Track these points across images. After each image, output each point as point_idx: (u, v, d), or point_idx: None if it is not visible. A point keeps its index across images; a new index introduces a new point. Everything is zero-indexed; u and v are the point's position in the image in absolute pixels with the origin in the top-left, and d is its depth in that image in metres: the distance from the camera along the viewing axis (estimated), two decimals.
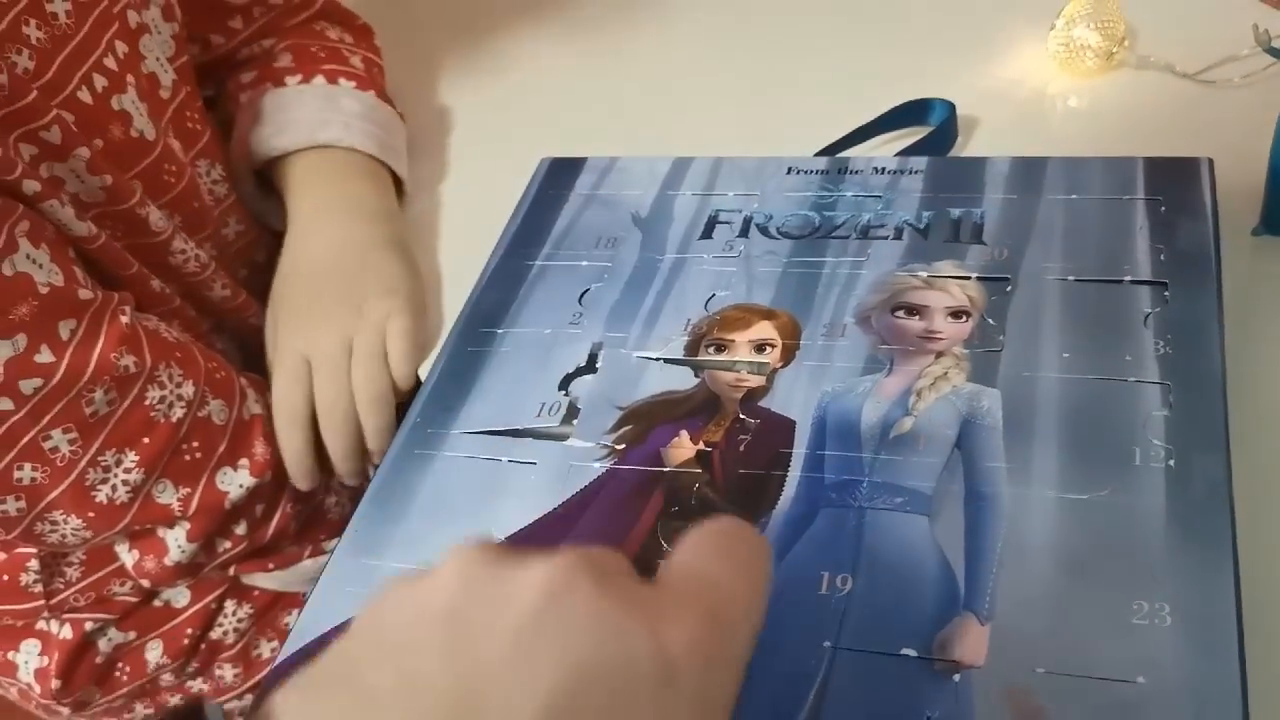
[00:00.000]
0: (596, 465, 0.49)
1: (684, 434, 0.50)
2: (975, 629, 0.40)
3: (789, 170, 0.60)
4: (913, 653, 0.40)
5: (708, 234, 0.58)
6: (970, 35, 0.73)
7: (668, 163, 0.63)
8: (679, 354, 0.53)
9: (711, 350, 0.53)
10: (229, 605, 0.68)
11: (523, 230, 0.62)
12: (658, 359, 0.53)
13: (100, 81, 0.58)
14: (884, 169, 0.59)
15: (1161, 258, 0.51)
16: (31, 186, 0.53)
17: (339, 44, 0.74)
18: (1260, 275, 0.53)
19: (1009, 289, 0.51)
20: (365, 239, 0.65)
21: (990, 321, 0.50)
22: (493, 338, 0.56)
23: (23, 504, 0.54)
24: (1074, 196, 0.54)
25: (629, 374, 0.53)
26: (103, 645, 0.67)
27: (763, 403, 0.50)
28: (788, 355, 0.52)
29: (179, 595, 0.67)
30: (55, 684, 0.65)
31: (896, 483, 0.45)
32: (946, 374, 0.49)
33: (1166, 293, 0.49)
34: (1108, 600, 0.40)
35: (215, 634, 0.68)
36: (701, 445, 0.49)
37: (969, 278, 0.52)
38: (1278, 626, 0.41)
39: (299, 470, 0.60)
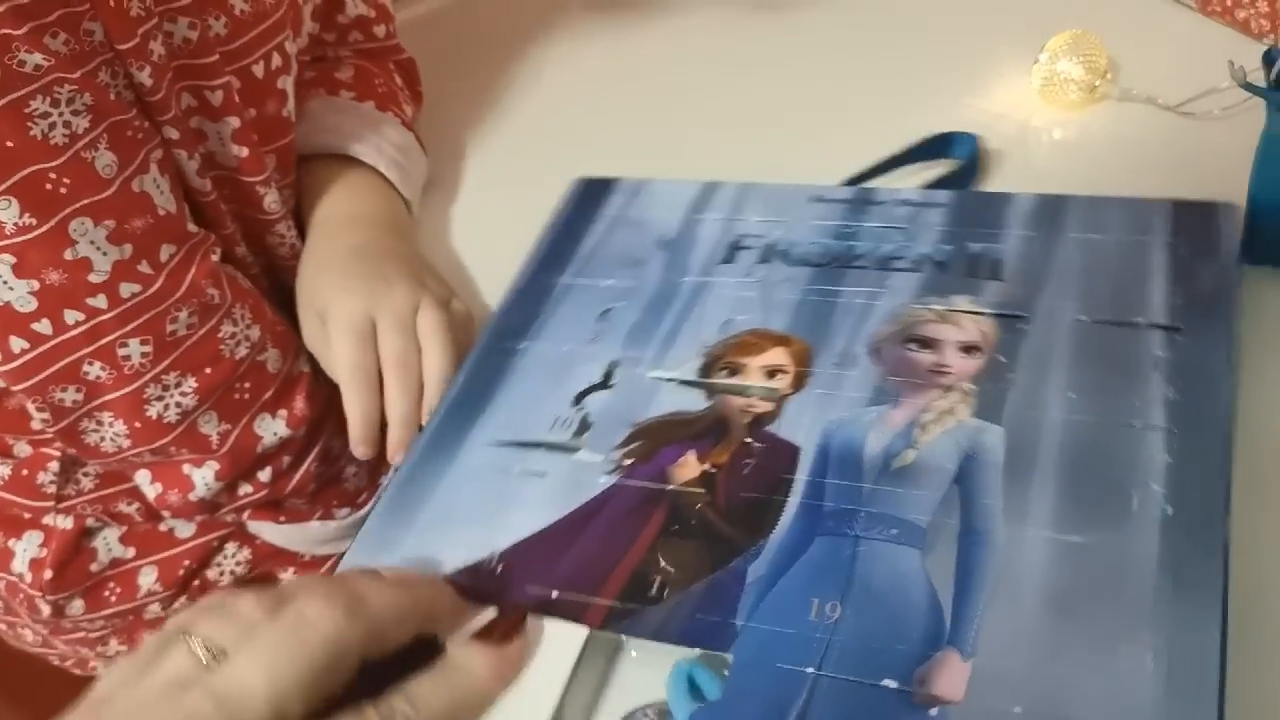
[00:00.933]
0: (603, 480, 0.50)
1: (691, 454, 0.50)
2: (957, 664, 0.41)
3: (814, 199, 0.61)
4: (894, 684, 0.40)
5: (729, 259, 0.59)
6: (954, 68, 0.74)
7: (696, 187, 0.64)
8: (692, 376, 0.54)
9: (724, 373, 0.54)
10: (230, 547, 0.68)
11: (552, 250, 0.63)
12: (671, 379, 0.54)
13: (276, 60, 0.64)
14: (908, 201, 0.59)
15: (1178, 301, 0.50)
16: (171, 133, 0.58)
17: (399, 90, 0.78)
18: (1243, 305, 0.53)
19: (1023, 326, 0.52)
20: (412, 238, 0.70)
21: (1001, 359, 0.50)
22: (514, 352, 0.58)
23: (80, 396, 0.58)
24: (1094, 236, 0.55)
25: (642, 392, 0.54)
26: (101, 552, 0.67)
27: (770, 428, 0.51)
28: (799, 382, 0.52)
29: (184, 526, 0.68)
30: (47, 574, 0.66)
31: (893, 514, 0.46)
32: (952, 409, 0.49)
33: (1179, 337, 0.49)
34: (1091, 643, 0.40)
35: (211, 573, 0.69)
36: (708, 466, 0.50)
37: (984, 314, 0.53)
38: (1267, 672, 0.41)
39: (367, 432, 0.60)
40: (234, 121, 0.61)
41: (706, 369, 0.54)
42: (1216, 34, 0.70)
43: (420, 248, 0.71)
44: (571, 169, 0.68)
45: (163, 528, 0.68)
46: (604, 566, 0.47)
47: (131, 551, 0.68)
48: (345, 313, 0.61)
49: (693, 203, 0.63)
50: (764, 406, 0.51)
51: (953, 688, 0.40)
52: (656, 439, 0.52)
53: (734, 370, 0.54)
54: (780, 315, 0.55)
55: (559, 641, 0.45)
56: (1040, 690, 0.39)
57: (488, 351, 0.58)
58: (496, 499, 0.51)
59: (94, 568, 0.67)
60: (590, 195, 0.66)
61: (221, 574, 0.69)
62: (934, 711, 0.39)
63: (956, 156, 0.64)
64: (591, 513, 0.49)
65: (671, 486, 0.49)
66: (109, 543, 0.68)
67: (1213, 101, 0.64)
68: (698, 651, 0.44)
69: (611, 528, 0.48)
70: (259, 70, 0.63)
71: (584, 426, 0.53)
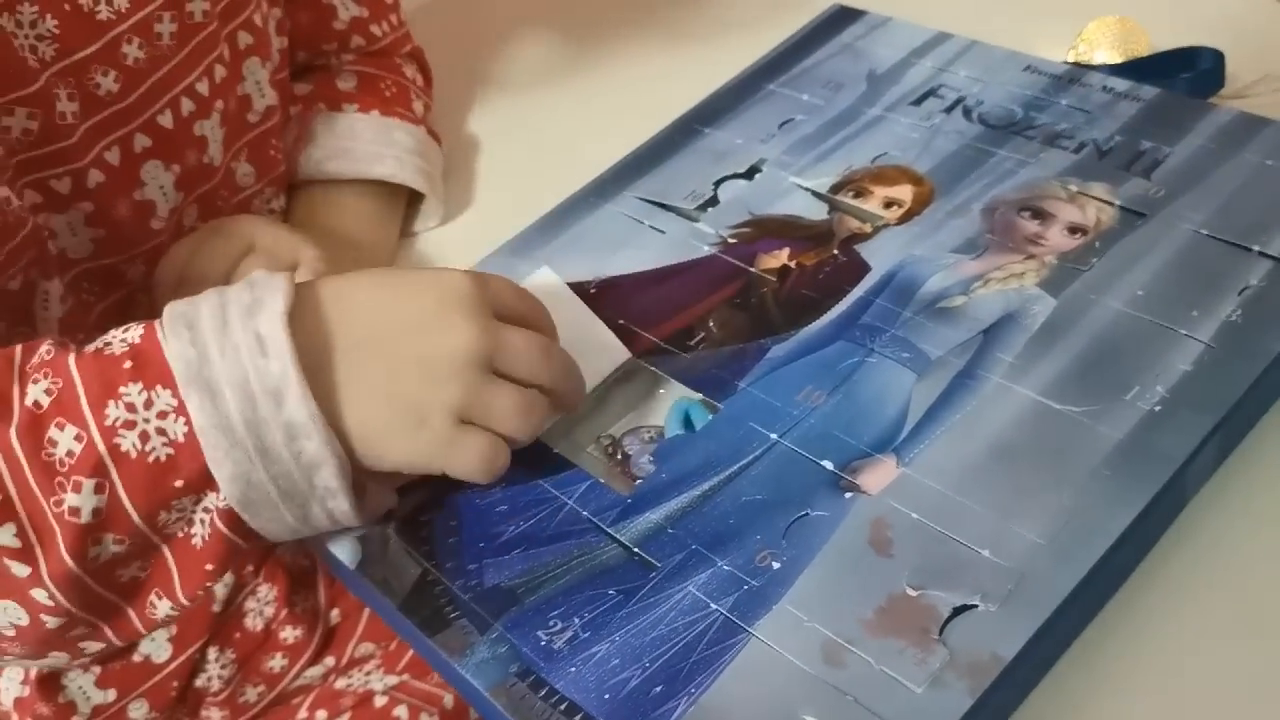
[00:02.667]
0: (706, 249, 0.57)
1: (786, 250, 0.56)
2: (889, 467, 0.44)
3: (1026, 68, 0.61)
4: (830, 466, 0.45)
5: (919, 102, 0.62)
6: None
7: (930, 33, 0.66)
8: (823, 190, 0.58)
9: (851, 195, 0.57)
10: (211, 653, 0.64)
11: (776, 60, 0.68)
12: (805, 187, 0.59)
13: (187, 106, 0.58)
14: (1111, 89, 0.58)
15: None
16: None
17: (410, 84, 0.73)
18: None
19: (1139, 224, 0.51)
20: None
21: (1096, 245, 0.51)
22: (698, 134, 0.64)
23: None
24: (1269, 162, 0.52)
25: (776, 192, 0.59)
26: (80, 705, 0.61)
27: (858, 246, 0.54)
28: (906, 218, 0.55)
29: (159, 650, 0.63)
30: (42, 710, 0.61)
31: (914, 342, 0.49)
32: (1024, 274, 0.50)
33: None
34: (1013, 488, 0.43)
35: (200, 681, 0.64)
36: (792, 264, 0.55)
37: (1112, 204, 0.52)
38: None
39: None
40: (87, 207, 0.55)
41: (838, 187, 0.58)
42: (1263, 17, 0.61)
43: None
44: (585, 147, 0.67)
45: (136, 658, 0.62)
46: (666, 313, 0.54)
47: (113, 694, 0.62)
48: (228, 225, 0.60)
49: (918, 47, 0.65)
50: (864, 229, 0.55)
51: (873, 483, 0.44)
52: (765, 230, 0.57)
53: (860, 193, 0.57)
54: (929, 159, 0.58)
55: (605, 354, 0.53)
56: (943, 508, 0.42)
57: (679, 129, 0.65)
58: (620, 239, 0.59)
59: None
60: (834, 21, 0.69)
61: (210, 679, 0.64)
62: (848, 495, 0.44)
63: (1200, 68, 0.61)
64: (682, 270, 0.56)
65: (754, 269, 0.55)
66: (87, 692, 0.61)
67: (1264, 87, 0.57)
68: (701, 395, 0.50)
69: (689, 286, 0.55)
70: (166, 121, 0.57)
71: (711, 203, 0.59)
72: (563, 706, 0.40)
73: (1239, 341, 0.45)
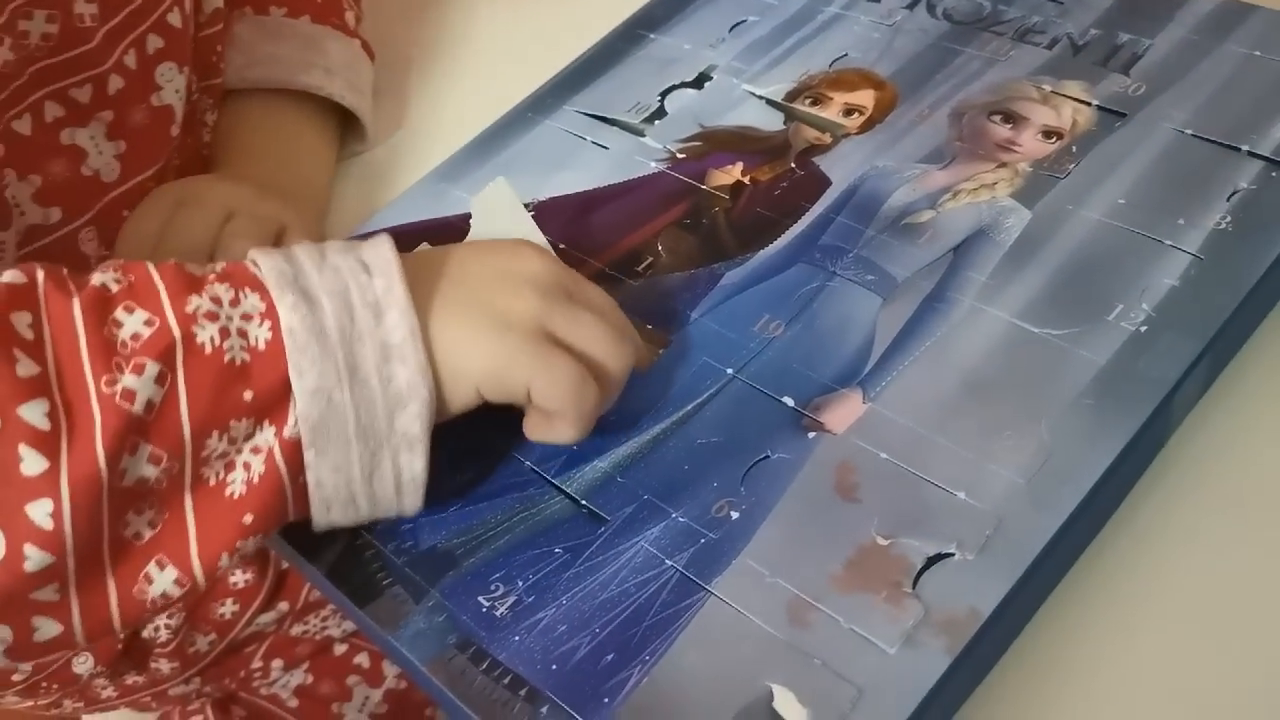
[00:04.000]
0: (653, 165, 0.52)
1: (739, 165, 0.51)
2: (854, 404, 0.41)
3: None
4: (791, 403, 0.42)
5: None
6: None
7: None
8: (777, 98, 0.54)
9: (808, 102, 0.53)
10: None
11: None
12: (759, 96, 0.54)
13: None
14: None
15: None
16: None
17: None
18: None
19: (1118, 125, 0.47)
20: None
21: (1073, 149, 0.47)
22: (642, 40, 0.59)
23: None
24: (1256, 53, 0.48)
25: (727, 101, 0.54)
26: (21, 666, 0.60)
27: (817, 159, 0.50)
28: (867, 126, 0.51)
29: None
30: None
31: (877, 262, 0.45)
32: (995, 184, 0.47)
33: (1274, 173, 0.43)
34: (985, 422, 0.39)
35: (146, 633, 0.63)
36: (746, 179, 0.50)
37: (1089, 104, 0.48)
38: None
39: None
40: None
41: (794, 94, 0.54)
42: None
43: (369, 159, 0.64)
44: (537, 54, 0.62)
45: None
46: (612, 236, 0.50)
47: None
48: (156, 191, 0.54)
49: None
50: (823, 139, 0.51)
51: (838, 421, 0.41)
52: (716, 143, 0.53)
53: (817, 101, 0.53)
54: (891, 61, 0.53)
55: None
56: (913, 447, 0.39)
57: (622, 36, 0.60)
58: (560, 157, 0.54)
59: (16, 677, 0.61)
60: None
61: (157, 630, 0.63)
62: (811, 435, 0.41)
63: None
64: (628, 190, 0.52)
65: (704, 187, 0.51)
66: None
67: None
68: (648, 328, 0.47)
69: (635, 206, 0.51)
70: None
71: (658, 115, 0.55)
72: (506, 680, 0.36)
73: (1229, 252, 0.42)
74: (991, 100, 0.50)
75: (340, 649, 0.71)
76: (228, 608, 0.64)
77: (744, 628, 0.36)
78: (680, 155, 0.53)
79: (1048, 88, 0.50)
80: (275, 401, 0.37)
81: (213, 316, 0.37)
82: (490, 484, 0.42)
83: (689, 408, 0.43)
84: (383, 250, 0.40)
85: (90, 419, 0.35)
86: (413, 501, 0.40)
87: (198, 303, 0.37)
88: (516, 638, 0.37)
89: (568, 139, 0.55)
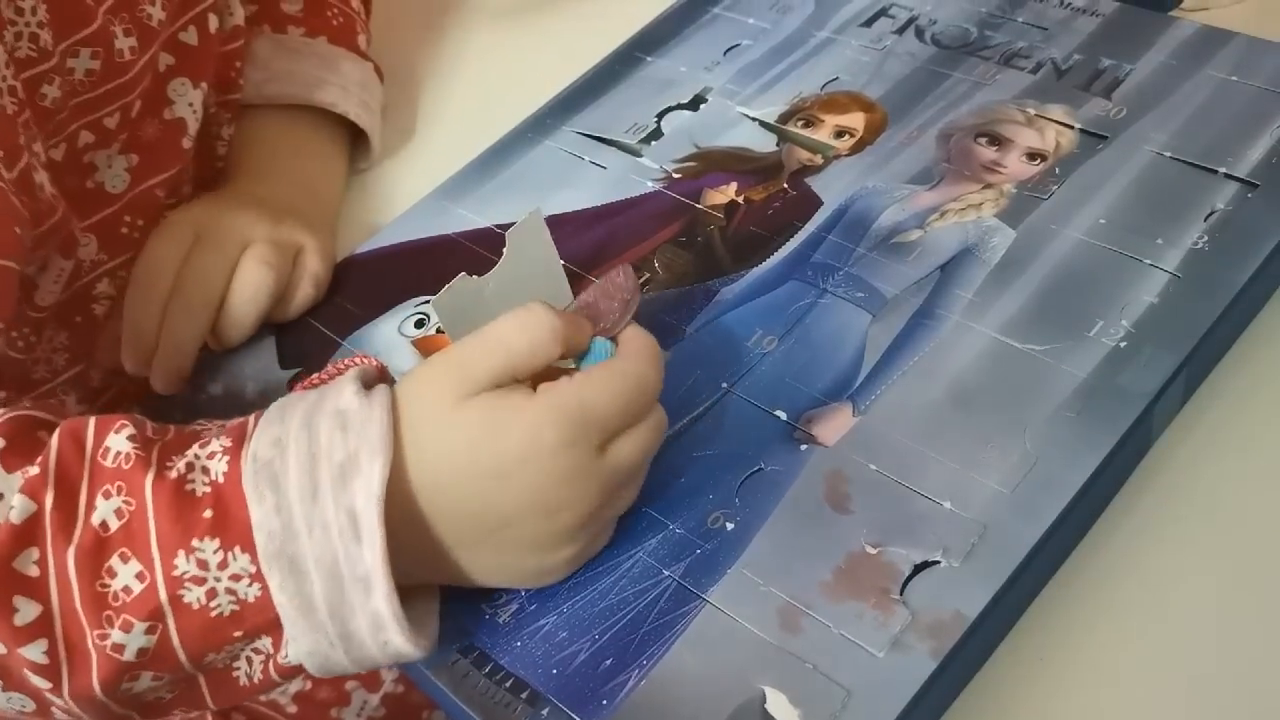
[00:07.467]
0: (649, 184, 0.54)
1: (733, 185, 0.53)
2: (844, 416, 0.42)
3: None
4: (783, 415, 0.43)
5: (869, 23, 0.58)
6: None
7: None
8: (770, 119, 0.55)
9: (800, 124, 0.55)
10: None
11: None
12: (753, 118, 0.56)
13: (213, 22, 0.56)
14: (1069, 4, 0.55)
15: (1274, 160, 0.46)
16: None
17: (356, 15, 0.69)
18: None
19: (1100, 147, 0.49)
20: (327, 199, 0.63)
21: (1056, 170, 0.48)
22: (640, 63, 0.61)
23: None
24: (1233, 78, 0.49)
25: (722, 123, 0.56)
26: None
27: (809, 179, 0.52)
28: (858, 147, 0.52)
29: None
30: None
31: (867, 280, 0.47)
32: (981, 204, 0.48)
33: (1250, 194, 0.45)
34: (972, 432, 0.41)
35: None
36: (740, 199, 0.52)
37: (1071, 127, 0.50)
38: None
39: (132, 345, 0.54)
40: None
41: (787, 116, 0.55)
42: None
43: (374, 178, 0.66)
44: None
45: None
46: (609, 253, 0.51)
47: None
48: (174, 219, 0.56)
49: None
50: (815, 160, 0.52)
51: (829, 434, 0.42)
52: (711, 164, 0.54)
53: (810, 123, 0.54)
54: (881, 84, 0.55)
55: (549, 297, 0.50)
56: (902, 459, 0.40)
57: (619, 59, 0.62)
58: (560, 177, 0.56)
59: None
60: None
61: None
62: (803, 447, 0.42)
63: None
64: (625, 208, 0.53)
65: (699, 206, 0.52)
66: None
67: None
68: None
69: (632, 224, 0.52)
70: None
71: (654, 136, 0.56)
72: (509, 684, 0.38)
73: (1206, 270, 0.43)
74: (978, 123, 0.52)
75: None
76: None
77: (738, 633, 0.37)
78: (676, 175, 0.54)
79: (1032, 111, 0.51)
80: (267, 631, 0.38)
81: (199, 580, 0.37)
82: None
83: (685, 420, 0.44)
84: (370, 509, 0.37)
85: (87, 658, 0.38)
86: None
87: (185, 567, 0.37)
88: (519, 643, 0.39)
89: (567, 159, 0.57)
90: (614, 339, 0.42)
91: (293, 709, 0.66)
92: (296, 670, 0.39)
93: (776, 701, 0.36)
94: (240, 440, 0.38)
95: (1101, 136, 0.49)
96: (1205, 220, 0.45)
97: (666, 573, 0.39)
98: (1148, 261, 0.44)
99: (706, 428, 0.44)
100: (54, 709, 0.39)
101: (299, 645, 0.37)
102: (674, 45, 0.61)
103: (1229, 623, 0.38)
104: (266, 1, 0.66)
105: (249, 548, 0.37)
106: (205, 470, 0.38)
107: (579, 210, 0.54)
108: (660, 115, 0.57)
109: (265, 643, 0.38)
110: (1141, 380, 0.41)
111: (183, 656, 0.37)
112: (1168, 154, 0.48)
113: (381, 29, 0.72)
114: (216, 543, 0.37)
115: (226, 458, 0.38)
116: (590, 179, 0.55)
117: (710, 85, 0.58)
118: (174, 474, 0.38)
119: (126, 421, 0.39)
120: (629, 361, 0.40)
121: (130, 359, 0.54)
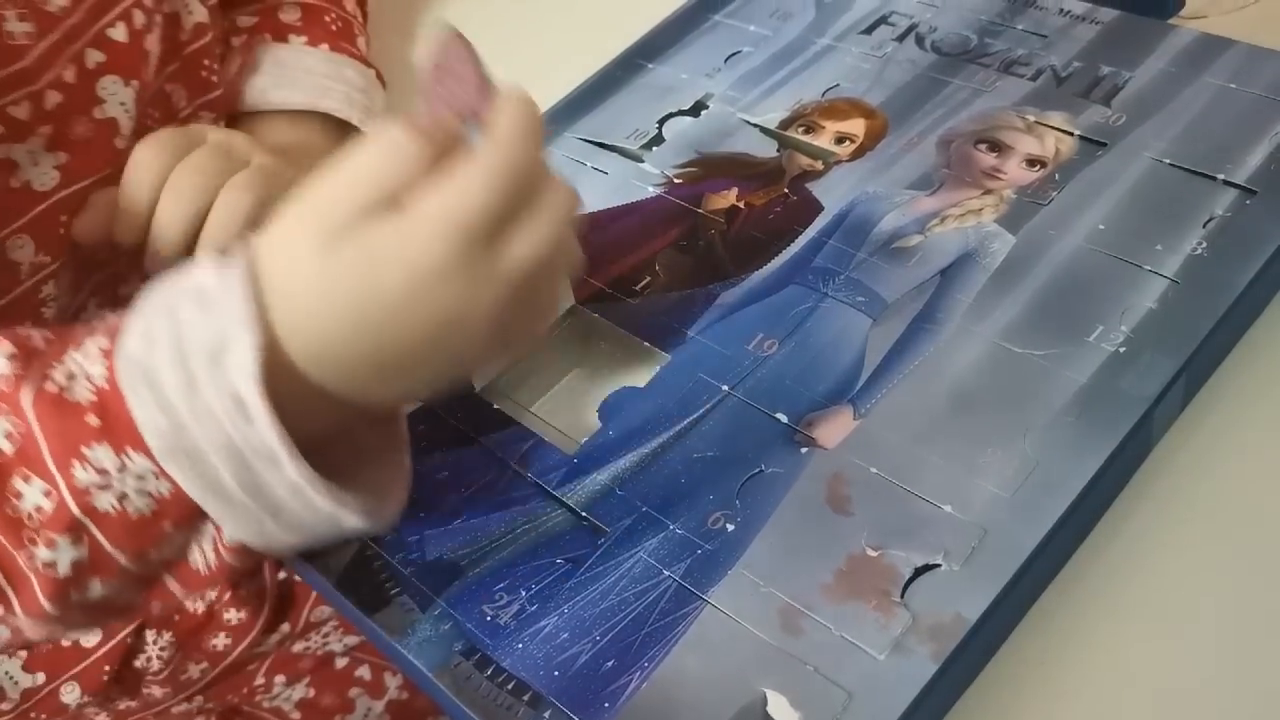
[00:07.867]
0: (651, 190, 0.54)
1: (734, 190, 0.53)
2: (845, 420, 0.43)
3: None
4: (784, 418, 0.43)
5: (869, 31, 0.59)
6: None
7: None
8: (771, 126, 0.55)
9: (801, 130, 0.55)
10: (149, 635, 0.62)
11: None
12: (753, 124, 0.56)
13: (139, 19, 0.55)
14: (1068, 12, 0.56)
15: (1272, 167, 0.46)
16: None
17: (353, 20, 0.69)
18: None
19: (1099, 154, 0.49)
20: None
21: (1056, 177, 0.49)
22: (641, 69, 0.61)
23: None
24: (1231, 85, 0.50)
25: (723, 129, 0.56)
26: (9, 690, 0.60)
27: (810, 184, 0.52)
28: (859, 153, 0.53)
29: (87, 634, 0.61)
30: None
31: (868, 284, 0.47)
32: (981, 210, 0.48)
33: (1249, 201, 0.45)
34: (972, 436, 0.41)
35: (139, 662, 0.62)
36: (741, 204, 0.52)
37: (1071, 134, 0.50)
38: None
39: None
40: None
41: (788, 122, 0.55)
42: None
43: None
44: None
45: (65, 642, 0.61)
46: (610, 256, 0.51)
47: (42, 677, 0.61)
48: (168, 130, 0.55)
49: None
50: (816, 166, 0.53)
51: (830, 437, 0.42)
52: (712, 169, 0.54)
53: (810, 129, 0.55)
54: (882, 91, 0.55)
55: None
56: (902, 462, 0.41)
57: (621, 65, 0.62)
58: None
59: (4, 705, 0.61)
60: None
61: (149, 659, 0.62)
62: (803, 450, 0.42)
63: None
64: (626, 212, 0.54)
65: (701, 210, 0.52)
66: (14, 676, 0.60)
67: None
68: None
69: (634, 229, 0.53)
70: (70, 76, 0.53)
71: (656, 141, 0.56)
72: (510, 685, 0.38)
73: (1204, 276, 0.43)
74: (978, 129, 0.52)
75: (342, 663, 0.72)
76: (220, 640, 0.64)
77: (739, 635, 0.37)
78: (677, 180, 0.54)
79: (1032, 118, 0.52)
80: (199, 518, 0.38)
81: (104, 487, 0.37)
82: (494, 498, 0.44)
83: (686, 422, 0.44)
84: (251, 389, 0.35)
85: (25, 579, 0.38)
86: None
87: (85, 477, 0.36)
88: (520, 645, 0.39)
89: (569, 164, 0.57)
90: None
91: (296, 715, 0.66)
92: (244, 549, 0.38)
93: (778, 704, 0.36)
94: (114, 337, 0.37)
95: (1101, 143, 0.50)
96: (1204, 226, 0.45)
97: (667, 573, 0.39)
98: (1147, 267, 0.44)
99: (708, 430, 0.44)
100: (23, 630, 0.39)
101: (230, 526, 0.37)
102: (675, 52, 0.62)
103: (1229, 625, 0.38)
104: (265, 11, 0.67)
105: (140, 447, 0.36)
106: (88, 376, 0.37)
107: (581, 214, 0.54)
108: (662, 121, 0.57)
109: (208, 526, 0.38)
110: (1141, 385, 0.41)
111: (123, 560, 0.37)
112: (1167, 161, 0.48)
113: (382, 29, 0.72)
114: (107, 447, 0.36)
115: (103, 360, 0.37)
116: (592, 184, 0.55)
117: (711, 91, 0.58)
118: (54, 386, 0.37)
119: (4, 339, 0.39)
120: (495, 148, 0.37)
121: (123, 231, 0.52)
